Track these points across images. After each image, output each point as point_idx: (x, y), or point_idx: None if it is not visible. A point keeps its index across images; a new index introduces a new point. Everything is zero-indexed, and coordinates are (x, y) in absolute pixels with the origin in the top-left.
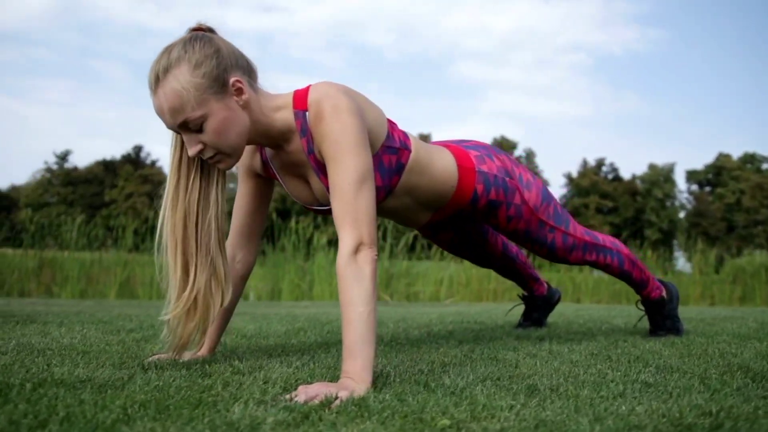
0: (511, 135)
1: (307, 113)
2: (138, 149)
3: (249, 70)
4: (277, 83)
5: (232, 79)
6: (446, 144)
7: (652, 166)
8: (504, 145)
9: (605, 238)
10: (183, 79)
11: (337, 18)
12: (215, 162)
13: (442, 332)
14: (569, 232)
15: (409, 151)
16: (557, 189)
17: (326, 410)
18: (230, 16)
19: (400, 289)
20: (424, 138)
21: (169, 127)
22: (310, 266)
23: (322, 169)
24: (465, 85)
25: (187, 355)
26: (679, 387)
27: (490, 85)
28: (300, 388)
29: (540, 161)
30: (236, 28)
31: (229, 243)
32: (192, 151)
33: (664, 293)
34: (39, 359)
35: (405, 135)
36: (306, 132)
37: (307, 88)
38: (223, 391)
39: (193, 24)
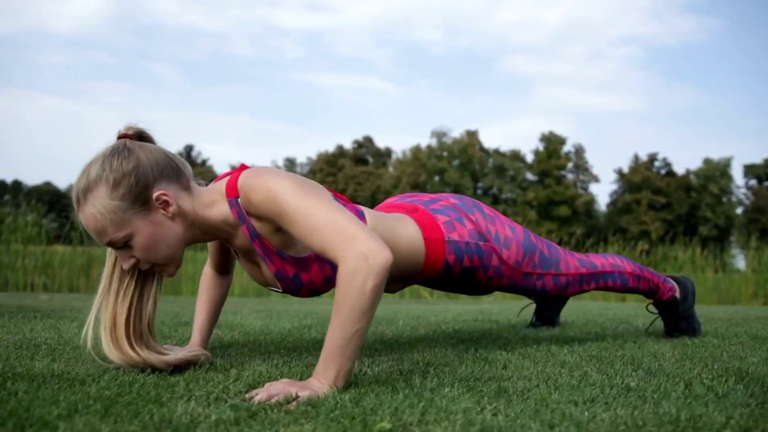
0: (561, 130)
1: (239, 199)
2: (189, 148)
3: (177, 176)
4: (325, 83)
5: (156, 194)
6: (412, 207)
7: (707, 161)
8: (552, 141)
9: (604, 263)
10: (100, 203)
11: (384, 15)
12: (156, 272)
13: (449, 331)
14: (560, 272)
15: None
16: (607, 185)
17: (275, 410)
18: (279, 16)
19: None
20: (471, 134)
21: (100, 245)
22: None
23: (270, 254)
24: (514, 81)
25: (176, 350)
26: (659, 392)
27: (540, 80)
28: (266, 385)
29: (590, 156)
30: (285, 28)
31: (210, 260)
32: (126, 265)
33: (676, 293)
34: (26, 353)
35: (359, 214)
36: (244, 218)
37: (237, 175)
38: (184, 389)
39: (123, 127)
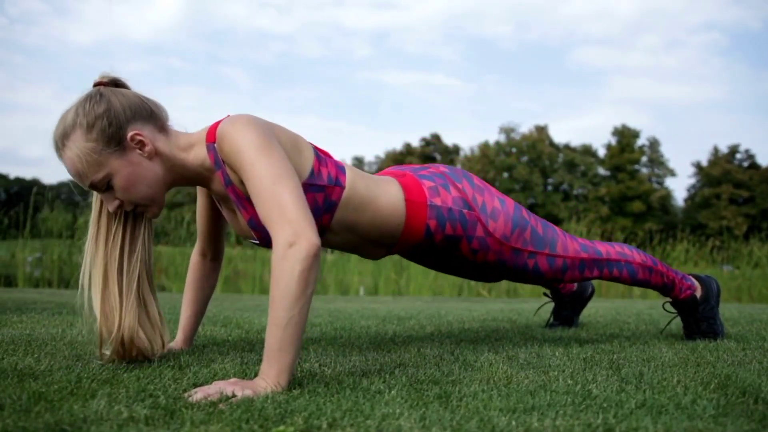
0: (634, 123)
1: (216, 144)
2: None
3: (153, 117)
4: (392, 81)
5: (129, 134)
6: (401, 173)
7: None
8: (625, 134)
9: (610, 250)
10: (77, 146)
11: (451, 11)
12: (140, 212)
13: (454, 330)
14: (556, 253)
15: (342, 188)
16: (684, 179)
17: (200, 410)
18: (346, 16)
19: (502, 285)
20: (540, 130)
21: (85, 188)
22: (407, 261)
23: (242, 201)
24: (585, 73)
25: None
26: (615, 401)
27: (613, 72)
28: (214, 384)
29: (666, 150)
30: (352, 28)
31: (197, 244)
32: (111, 207)
33: (697, 292)
34: (10, 348)
35: (339, 170)
36: (219, 164)
37: (219, 122)
38: (124, 386)
39: (99, 76)
